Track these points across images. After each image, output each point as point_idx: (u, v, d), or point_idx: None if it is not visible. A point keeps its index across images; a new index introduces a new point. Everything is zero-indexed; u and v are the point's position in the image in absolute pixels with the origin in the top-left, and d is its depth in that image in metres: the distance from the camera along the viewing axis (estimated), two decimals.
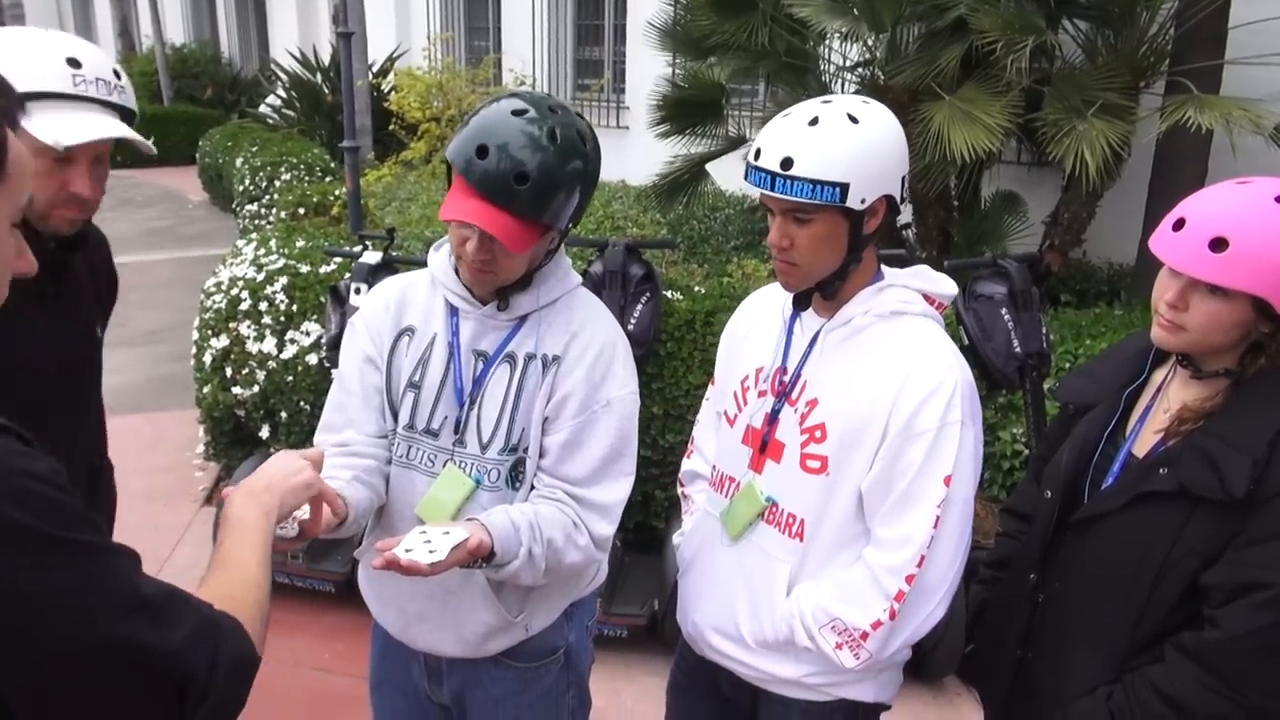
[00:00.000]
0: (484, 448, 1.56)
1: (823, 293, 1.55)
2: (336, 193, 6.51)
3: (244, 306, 3.92)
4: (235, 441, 4.14)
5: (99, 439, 1.86)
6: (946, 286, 1.59)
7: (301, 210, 6.47)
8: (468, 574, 1.56)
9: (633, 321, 3.24)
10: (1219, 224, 1.27)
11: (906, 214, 6.08)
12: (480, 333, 1.58)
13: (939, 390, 1.46)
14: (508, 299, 1.56)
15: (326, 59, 10.60)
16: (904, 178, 1.49)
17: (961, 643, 2.97)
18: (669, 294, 3.53)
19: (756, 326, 1.72)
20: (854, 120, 1.42)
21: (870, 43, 5.57)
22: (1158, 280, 1.38)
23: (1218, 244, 1.27)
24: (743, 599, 1.64)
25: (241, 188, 8.31)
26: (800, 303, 1.60)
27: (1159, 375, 1.50)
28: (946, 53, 4.80)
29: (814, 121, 1.42)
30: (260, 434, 3.94)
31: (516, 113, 1.41)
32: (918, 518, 1.47)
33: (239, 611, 0.99)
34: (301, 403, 3.80)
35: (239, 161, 8.87)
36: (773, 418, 1.59)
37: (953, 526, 1.49)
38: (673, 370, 3.39)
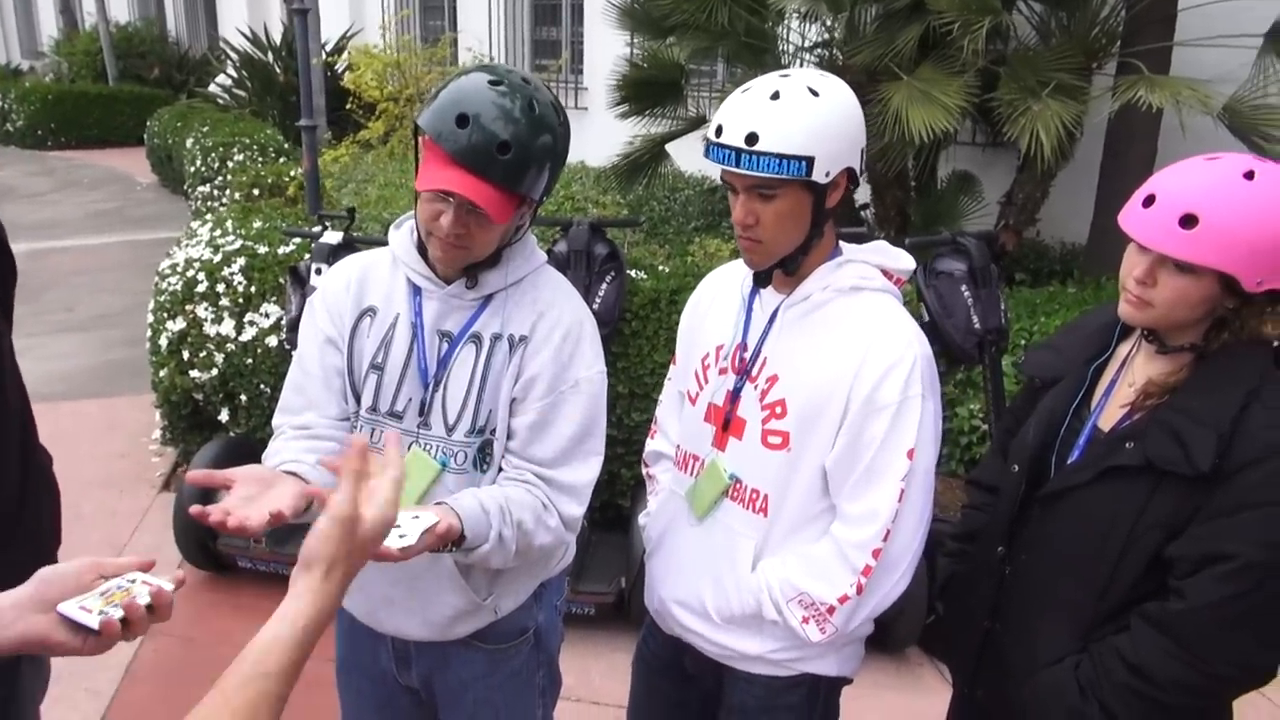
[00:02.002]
0: (450, 430, 1.54)
1: (785, 269, 1.54)
2: (292, 173, 6.40)
3: (201, 288, 3.85)
4: (193, 426, 4.07)
5: (24, 429, 1.65)
6: (905, 261, 1.59)
7: (256, 191, 6.35)
8: (435, 557, 1.55)
9: (597, 300, 3.23)
10: (1189, 201, 1.29)
11: (865, 194, 6.13)
12: (445, 312, 1.55)
13: (899, 364, 1.47)
14: (476, 276, 1.54)
15: (278, 38, 10.38)
16: (862, 150, 1.49)
17: (923, 614, 3.06)
18: (633, 273, 3.53)
19: (716, 304, 1.72)
20: (814, 93, 1.42)
21: (829, 23, 5.59)
22: (1126, 256, 1.40)
23: (1188, 220, 1.28)
24: (708, 575, 1.65)
25: (193, 169, 8.13)
26: (761, 280, 1.59)
27: (1124, 349, 1.52)
28: (904, 33, 4.83)
29: (775, 96, 1.41)
30: (219, 417, 3.88)
31: (493, 83, 1.39)
32: (882, 492, 1.48)
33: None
34: (262, 385, 3.74)
35: (190, 142, 8.67)
36: (734, 395, 1.60)
37: (915, 500, 1.50)
38: (638, 349, 3.40)
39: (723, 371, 1.63)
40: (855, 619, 1.54)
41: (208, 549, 3.46)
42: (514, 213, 1.44)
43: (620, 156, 6.03)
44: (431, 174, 1.39)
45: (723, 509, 1.63)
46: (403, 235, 1.61)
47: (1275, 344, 1.37)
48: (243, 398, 3.81)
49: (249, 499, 1.30)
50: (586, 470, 1.57)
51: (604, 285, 3.29)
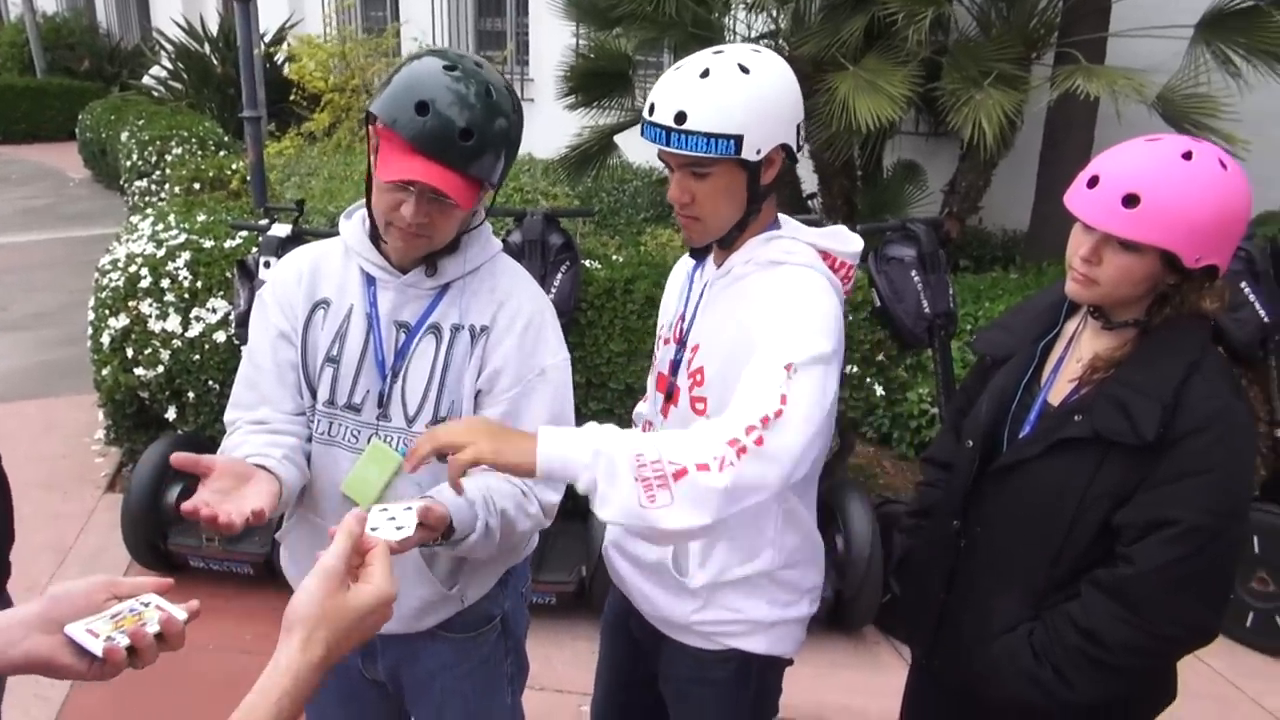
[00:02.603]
0: (410, 420, 1.53)
1: (720, 243, 1.54)
2: (234, 166, 6.28)
3: (144, 284, 3.75)
4: (139, 425, 3.98)
5: None
6: (852, 245, 1.56)
7: (197, 185, 6.23)
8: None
9: (553, 290, 3.23)
10: (1131, 181, 1.34)
11: (812, 184, 6.21)
12: (401, 303, 1.53)
13: (794, 311, 1.42)
14: (435, 264, 1.52)
15: (214, 28, 10.16)
16: (799, 125, 1.47)
17: (879, 593, 3.12)
18: (587, 263, 3.53)
19: (675, 280, 1.76)
20: (745, 70, 1.40)
21: (775, 13, 5.65)
22: (1072, 236, 1.44)
23: (1130, 200, 1.33)
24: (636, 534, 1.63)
25: (129, 163, 7.93)
26: (697, 255, 1.61)
27: (1071, 326, 1.57)
28: (849, 24, 4.91)
29: (705, 74, 1.39)
30: (166, 415, 3.80)
31: (447, 69, 1.37)
32: (759, 392, 1.32)
33: None
34: (210, 382, 3.67)
35: (125, 136, 8.45)
36: (675, 365, 1.62)
37: (801, 407, 1.31)
38: (594, 339, 3.40)
39: (666, 342, 1.67)
40: (707, 501, 1.25)
41: (158, 549, 3.40)
42: (477, 198, 1.43)
43: (569, 148, 6.02)
44: (394, 164, 1.37)
45: None
46: (354, 225, 1.58)
47: (1213, 318, 1.43)
48: (190, 395, 3.74)
49: (224, 493, 1.29)
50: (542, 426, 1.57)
51: (559, 275, 3.29)
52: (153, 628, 0.97)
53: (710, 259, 1.61)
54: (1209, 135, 4.36)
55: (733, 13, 5.84)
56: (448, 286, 1.54)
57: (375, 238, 1.53)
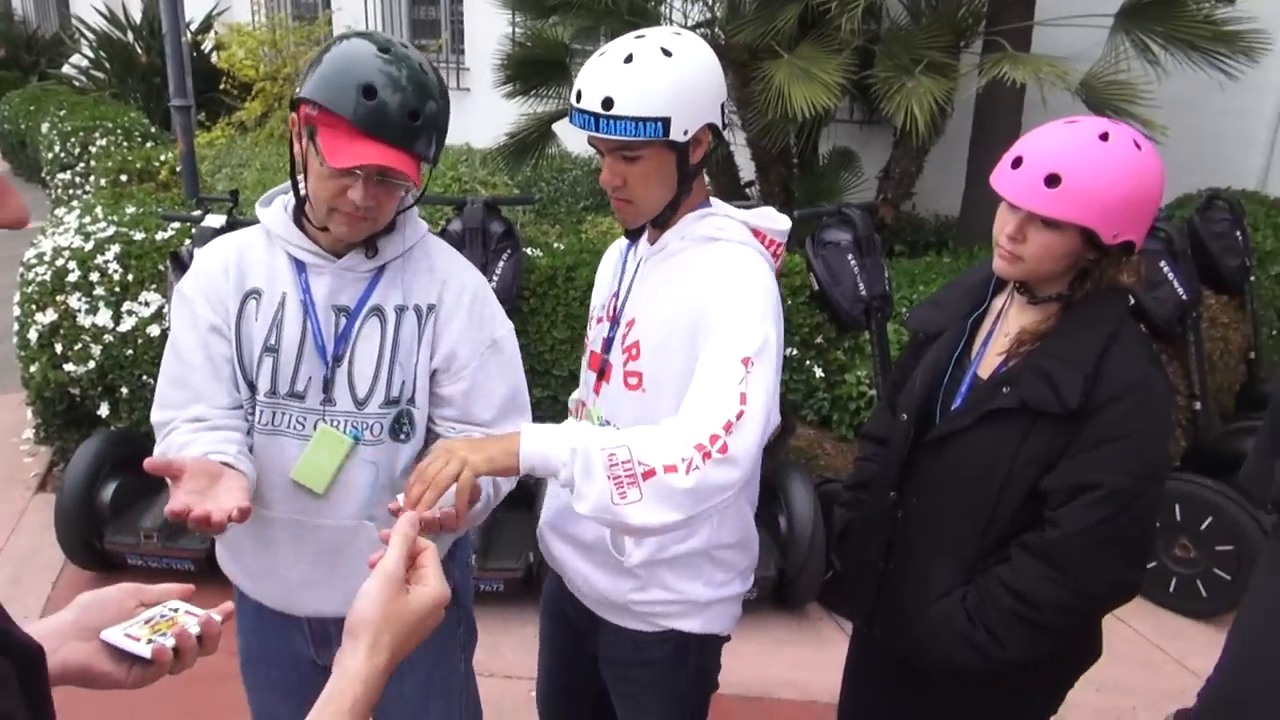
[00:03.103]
0: (360, 403, 1.53)
1: (654, 222, 1.57)
2: (163, 157, 6.13)
3: (72, 278, 3.67)
4: (70, 422, 3.89)
5: None
6: (780, 223, 1.60)
7: (124, 177, 6.07)
8: (354, 530, 1.56)
9: (495, 278, 3.24)
10: (1052, 161, 1.40)
11: (749, 171, 6.27)
12: (338, 287, 1.52)
13: (735, 292, 1.46)
14: (376, 244, 1.52)
15: (138, 16, 9.87)
16: (723, 105, 1.51)
17: (822, 571, 3.20)
18: (529, 251, 3.54)
19: (608, 264, 1.79)
20: (668, 54, 1.43)
21: (711, 2, 5.69)
22: (998, 215, 1.50)
23: (1051, 180, 1.40)
24: (576, 515, 1.64)
25: (51, 155, 7.68)
26: (632, 236, 1.65)
27: (999, 302, 1.64)
28: (784, 13, 4.95)
29: (629, 59, 1.42)
30: (99, 412, 3.72)
31: (381, 51, 1.38)
32: (722, 391, 1.37)
33: None
34: (144, 377, 3.60)
35: (45, 127, 8.17)
36: (608, 343, 1.65)
37: (756, 406, 1.37)
38: (537, 326, 3.42)
39: (600, 321, 1.70)
40: (674, 500, 1.30)
41: (94, 548, 3.32)
42: (419, 175, 1.43)
43: (507, 136, 5.98)
44: (344, 149, 1.35)
45: None
46: (276, 212, 1.55)
47: (1131, 291, 1.50)
48: (124, 390, 3.67)
49: (200, 493, 1.29)
50: (524, 422, 1.58)
51: (501, 263, 3.29)
52: (194, 629, 0.97)
53: (644, 239, 1.64)
54: (1129, 120, 4.51)
55: (669, 1, 5.86)
56: (384, 268, 1.54)
57: (299, 223, 1.52)
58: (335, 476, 1.52)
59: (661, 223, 1.58)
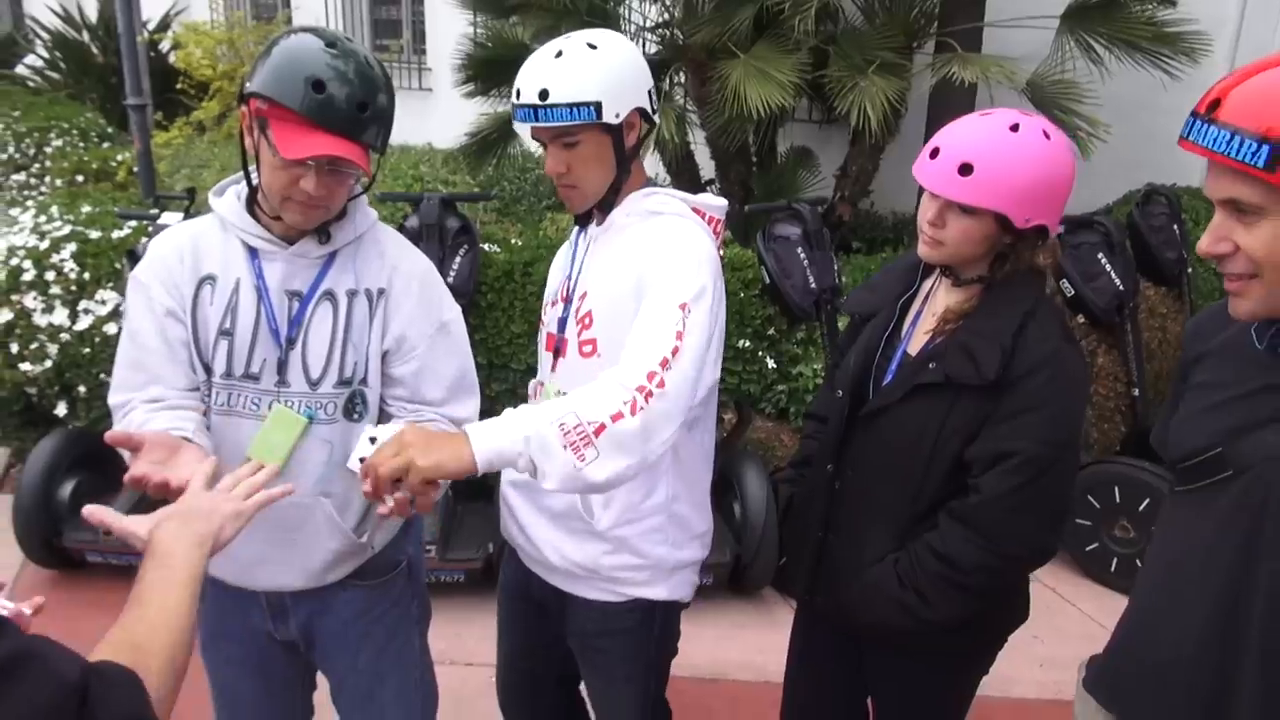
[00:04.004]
0: (314, 384, 1.59)
1: (600, 206, 1.68)
2: (120, 157, 6.09)
3: (27, 277, 3.66)
4: (27, 422, 3.88)
5: None
6: (719, 202, 1.71)
7: (80, 177, 6.03)
8: (310, 506, 1.61)
9: (452, 274, 3.28)
10: (966, 152, 1.50)
11: (710, 171, 6.36)
12: (291, 273, 1.58)
13: (676, 254, 1.55)
14: (328, 231, 1.58)
15: (93, 16, 9.76)
16: (650, 91, 1.63)
17: (776, 557, 3.27)
18: (486, 246, 3.59)
19: (561, 254, 1.88)
20: (593, 47, 1.57)
21: (668, 3, 5.76)
22: (920, 203, 1.59)
23: (965, 169, 1.49)
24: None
25: (5, 156, 7.58)
26: (582, 221, 1.74)
27: (927, 285, 1.73)
28: (740, 13, 5.04)
29: (559, 54, 1.56)
30: (56, 411, 3.71)
31: (328, 46, 1.44)
32: (657, 333, 1.46)
33: (141, 662, 0.89)
34: (102, 375, 3.60)
35: None
36: (563, 321, 1.73)
37: (692, 342, 1.47)
38: (494, 320, 3.46)
39: (554, 304, 1.78)
40: (627, 445, 1.38)
41: (52, 546, 3.32)
42: (370, 167, 1.50)
43: (469, 135, 6.02)
44: (296, 141, 1.41)
45: None
46: (229, 201, 1.61)
47: (1046, 272, 1.59)
48: (82, 389, 3.66)
49: (160, 464, 1.33)
50: (473, 403, 1.68)
51: (458, 258, 3.34)
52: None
53: (592, 223, 1.73)
54: (1074, 119, 4.65)
55: (627, 2, 5.92)
56: (335, 254, 1.61)
57: (252, 211, 1.58)
58: (290, 454, 1.57)
59: (607, 206, 1.67)
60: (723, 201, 1.72)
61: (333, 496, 1.62)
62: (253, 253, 1.59)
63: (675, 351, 1.44)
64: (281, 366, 1.58)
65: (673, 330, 1.46)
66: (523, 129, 1.60)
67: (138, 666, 0.88)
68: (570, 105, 1.54)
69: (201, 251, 1.60)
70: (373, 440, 1.45)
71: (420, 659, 1.88)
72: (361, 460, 1.39)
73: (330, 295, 1.59)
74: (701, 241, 1.61)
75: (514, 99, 1.58)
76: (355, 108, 1.42)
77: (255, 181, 1.55)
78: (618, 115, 1.58)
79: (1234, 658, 1.16)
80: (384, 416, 1.66)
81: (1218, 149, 1.05)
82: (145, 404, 1.56)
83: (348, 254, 1.61)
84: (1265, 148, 1.01)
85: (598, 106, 1.55)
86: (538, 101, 1.54)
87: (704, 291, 1.51)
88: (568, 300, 1.73)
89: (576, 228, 1.78)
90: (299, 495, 1.60)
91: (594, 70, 1.55)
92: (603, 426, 1.37)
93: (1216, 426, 1.20)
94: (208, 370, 1.59)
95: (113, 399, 1.61)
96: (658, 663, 1.88)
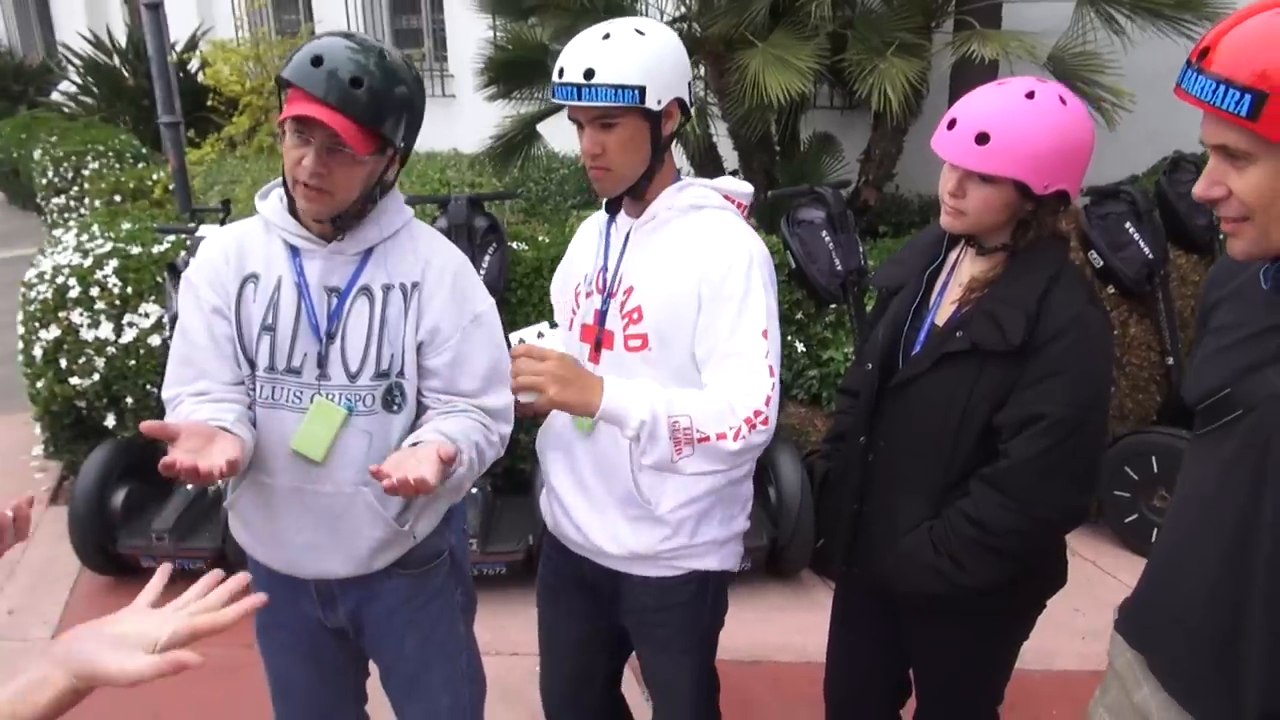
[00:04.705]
0: (353, 377, 1.64)
1: (632, 194, 1.71)
2: (155, 176, 6.23)
3: (73, 294, 3.78)
4: (78, 435, 3.99)
5: None
6: (743, 188, 1.77)
7: (118, 197, 6.18)
8: (352, 495, 1.66)
9: (482, 271, 3.34)
10: (982, 121, 1.51)
11: (733, 161, 6.37)
12: (329, 269, 1.64)
13: (737, 262, 1.63)
14: (344, 231, 1.63)
15: (122, 40, 9.98)
16: (689, 84, 1.67)
17: (812, 539, 3.29)
18: (514, 245, 3.64)
19: (581, 244, 1.91)
20: (640, 33, 1.61)
21: None
22: (941, 175, 1.61)
23: (982, 138, 1.51)
24: (602, 477, 1.79)
25: (44, 181, 7.79)
26: (611, 207, 1.77)
27: (952, 256, 1.75)
28: (755, 2, 5.05)
29: (606, 36, 1.59)
30: (105, 423, 3.83)
31: (346, 39, 1.52)
32: (756, 366, 1.60)
33: None
34: (148, 386, 3.71)
35: (38, 154, 8.28)
36: (602, 315, 1.76)
37: (777, 375, 1.63)
38: (524, 316, 3.51)
39: (589, 295, 1.80)
40: (721, 459, 1.57)
41: (108, 553, 3.43)
42: (372, 150, 1.53)
43: (494, 138, 6.08)
44: (289, 109, 1.48)
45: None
46: (272, 202, 1.68)
47: (1069, 237, 1.61)
48: (129, 400, 3.77)
49: (195, 452, 1.40)
50: (507, 393, 1.70)
51: (487, 257, 3.39)
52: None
53: (622, 214, 1.76)
54: (1098, 91, 4.61)
55: None
56: (371, 251, 1.66)
57: (294, 212, 1.64)
58: (332, 445, 1.63)
59: (639, 194, 1.70)
60: (749, 187, 1.76)
61: (373, 486, 1.64)
62: (294, 251, 1.65)
63: (773, 388, 1.60)
64: (322, 360, 1.64)
65: (764, 365, 1.61)
66: (557, 122, 1.64)
67: None
68: (615, 87, 1.56)
69: (246, 251, 1.67)
70: (540, 336, 1.55)
71: (466, 646, 1.93)
72: (522, 341, 1.52)
73: (367, 290, 1.65)
74: (753, 242, 1.67)
75: (555, 78, 1.62)
76: (349, 81, 1.47)
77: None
78: (660, 102, 1.61)
79: (1245, 596, 1.19)
80: (421, 409, 1.70)
81: (1205, 98, 1.07)
82: (192, 397, 1.64)
83: (383, 250, 1.66)
84: (1248, 97, 1.03)
85: (642, 91, 1.58)
86: (582, 80, 1.57)
87: (771, 313, 1.65)
88: (606, 292, 1.76)
89: (605, 217, 1.81)
90: (341, 486, 1.67)
91: (641, 55, 1.58)
92: (707, 438, 1.54)
93: (1227, 367, 1.22)
94: (252, 365, 1.66)
95: (165, 394, 1.69)
96: (710, 634, 1.93)
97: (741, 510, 1.87)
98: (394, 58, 1.54)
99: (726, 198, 1.73)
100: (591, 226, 1.90)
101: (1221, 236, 4.07)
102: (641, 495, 1.75)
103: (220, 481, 1.53)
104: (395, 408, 1.67)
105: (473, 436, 1.63)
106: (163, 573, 1.11)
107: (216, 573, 1.10)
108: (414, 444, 1.57)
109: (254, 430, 1.64)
